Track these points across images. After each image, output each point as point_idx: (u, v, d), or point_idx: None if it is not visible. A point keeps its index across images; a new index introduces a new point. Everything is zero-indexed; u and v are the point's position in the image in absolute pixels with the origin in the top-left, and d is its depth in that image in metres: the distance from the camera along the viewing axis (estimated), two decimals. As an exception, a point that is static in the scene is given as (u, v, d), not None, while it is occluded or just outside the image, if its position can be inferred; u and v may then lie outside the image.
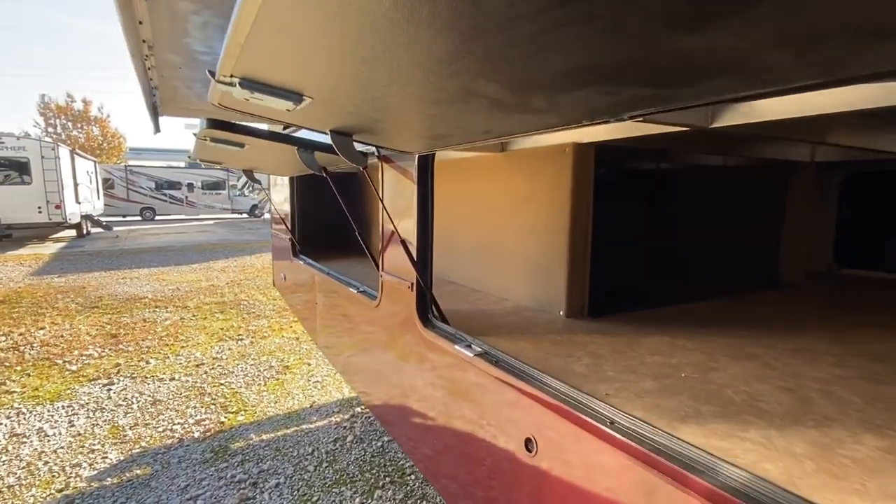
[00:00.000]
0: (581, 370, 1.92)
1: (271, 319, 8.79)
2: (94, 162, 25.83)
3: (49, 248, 18.60)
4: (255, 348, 7.29)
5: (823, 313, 2.98)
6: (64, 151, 19.62)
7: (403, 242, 2.33)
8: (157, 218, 31.86)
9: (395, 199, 2.55)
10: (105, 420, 5.03)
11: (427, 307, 2.34)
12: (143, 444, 4.55)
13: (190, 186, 32.24)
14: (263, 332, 8.02)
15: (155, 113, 3.66)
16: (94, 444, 4.54)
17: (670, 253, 3.46)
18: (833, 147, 3.79)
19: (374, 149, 2.64)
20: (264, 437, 4.62)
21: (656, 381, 1.84)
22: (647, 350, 2.21)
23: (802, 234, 4.13)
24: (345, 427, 4.83)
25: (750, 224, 4.01)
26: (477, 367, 1.89)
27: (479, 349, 1.95)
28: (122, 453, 4.39)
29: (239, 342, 7.62)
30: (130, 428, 4.85)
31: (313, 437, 4.63)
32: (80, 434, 4.73)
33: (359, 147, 2.95)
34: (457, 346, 2.01)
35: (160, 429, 4.82)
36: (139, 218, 31.36)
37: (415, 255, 2.30)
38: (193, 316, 9.23)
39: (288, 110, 1.56)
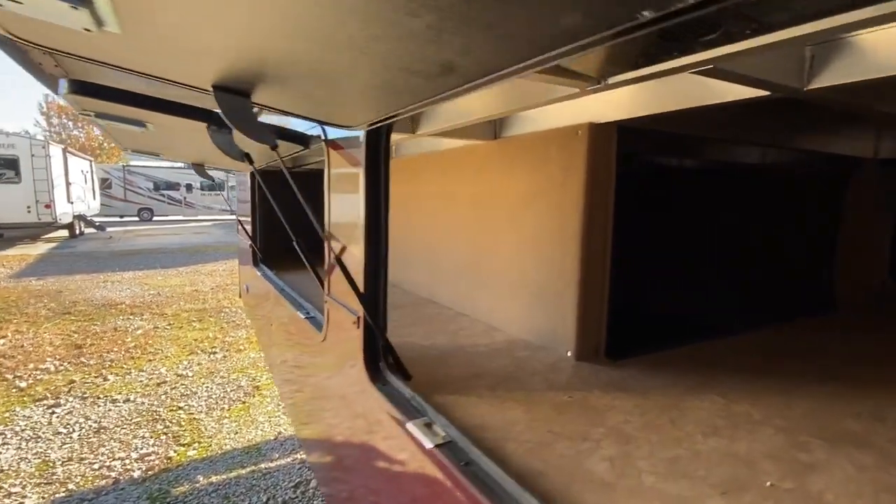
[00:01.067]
0: (603, 472, 1.21)
1: (250, 330, 8.12)
2: (90, 161, 25.34)
3: (38, 249, 18.07)
4: (227, 363, 6.61)
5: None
6: (55, 150, 19.09)
7: (341, 261, 1.62)
8: (154, 219, 31.36)
9: (339, 198, 1.86)
10: (36, 453, 4.34)
11: (376, 353, 1.63)
12: (71, 485, 3.86)
13: (188, 187, 31.70)
14: (240, 345, 7.35)
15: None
16: (13, 486, 3.86)
17: (710, 271, 2.75)
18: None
19: (320, 129, 1.95)
20: (214, 479, 3.92)
21: (728, 497, 1.12)
22: (697, 424, 1.50)
23: (862, 245, 3.40)
24: (309, 468, 4.13)
25: (801, 233, 3.29)
26: (435, 464, 1.18)
27: (442, 435, 1.24)
28: (43, 498, 3.70)
29: (211, 356, 6.94)
30: (62, 464, 4.17)
31: (272, 481, 3.92)
32: (1, 471, 4.05)
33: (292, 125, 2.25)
34: (410, 425, 1.30)
35: (96, 465, 4.13)
36: (136, 218, 30.86)
37: (361, 279, 1.60)
38: (169, 325, 8.57)
39: (87, 29, 0.88)
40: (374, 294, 1.60)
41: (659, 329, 2.37)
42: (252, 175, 4.21)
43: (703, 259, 2.74)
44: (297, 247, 1.90)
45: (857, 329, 2.72)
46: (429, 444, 1.20)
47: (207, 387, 5.83)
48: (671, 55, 1.04)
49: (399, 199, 3.94)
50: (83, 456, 4.28)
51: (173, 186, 31.74)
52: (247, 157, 2.02)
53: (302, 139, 2.09)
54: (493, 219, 2.56)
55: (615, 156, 2.03)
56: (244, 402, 5.38)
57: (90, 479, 3.95)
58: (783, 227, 3.19)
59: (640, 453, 1.31)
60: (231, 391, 5.70)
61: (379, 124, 1.46)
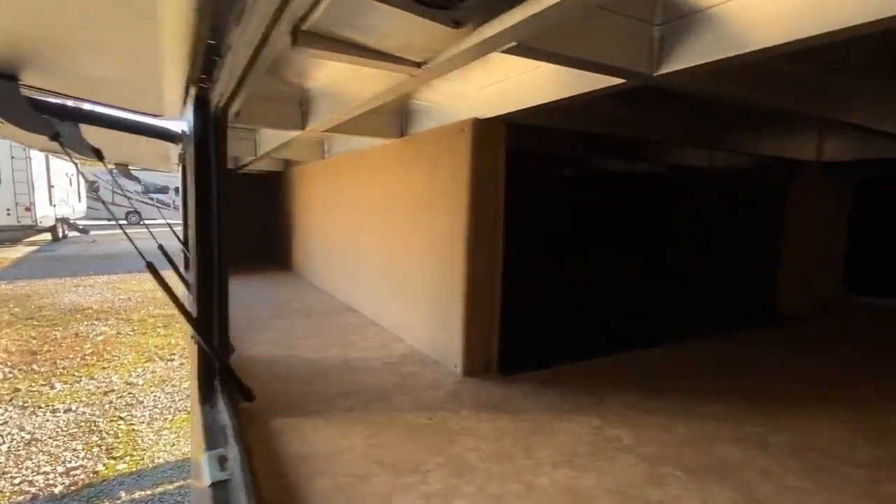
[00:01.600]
0: (401, 515, 1.05)
1: (214, 336, 7.94)
2: (76, 164, 25.10)
3: (17, 252, 17.84)
4: (182, 371, 6.42)
5: (829, 367, 2.11)
6: (37, 151, 18.90)
7: (165, 284, 1.44)
8: (143, 222, 31.10)
9: (189, 206, 1.70)
10: (-41, 466, 4.15)
11: (209, 373, 1.47)
12: (-14, 502, 3.67)
13: (177, 190, 31.52)
14: (200, 352, 7.15)
15: None
16: (-77, 503, 3.67)
17: (628, 277, 2.59)
18: (850, 134, 2.92)
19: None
20: (137, 495, 3.73)
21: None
22: (554, 451, 1.34)
23: (810, 254, 3.26)
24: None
25: (737, 241, 3.14)
26: (210, 502, 1.02)
27: (227, 472, 1.08)
28: (-48, 516, 3.52)
29: (168, 363, 6.75)
30: (-17, 478, 3.98)
31: (197, 497, 3.74)
32: (-84, 486, 3.86)
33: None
34: (205, 457, 1.14)
35: (17, 480, 3.94)
36: (125, 222, 30.63)
37: (193, 290, 1.44)
38: (133, 330, 8.38)
39: None
40: (206, 313, 1.44)
41: (563, 342, 2.22)
42: (183, 175, 4.05)
43: (618, 267, 2.59)
44: (160, 250, 1.74)
45: (791, 344, 2.57)
46: (207, 481, 1.04)
47: (156, 396, 5.64)
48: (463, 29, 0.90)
49: (325, 201, 3.80)
50: (6, 470, 4.09)
51: (162, 190, 31.53)
52: (96, 153, 1.86)
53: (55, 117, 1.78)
54: (399, 221, 2.40)
55: (504, 154, 1.88)
56: (188, 413, 5.20)
57: (7, 494, 3.76)
58: (716, 234, 3.04)
59: (467, 489, 1.15)
60: (179, 400, 5.51)
61: (201, 112, 1.30)
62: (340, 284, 3.28)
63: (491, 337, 1.94)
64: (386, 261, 2.57)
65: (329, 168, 3.39)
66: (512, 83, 1.62)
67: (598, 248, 2.51)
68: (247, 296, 3.49)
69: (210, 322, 1.43)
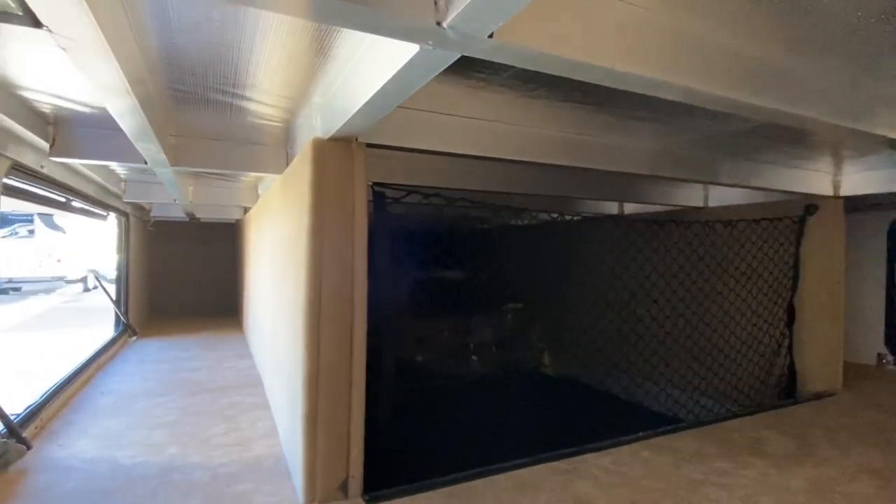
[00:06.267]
0: None
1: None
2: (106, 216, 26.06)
3: (48, 303, 18.19)
4: None
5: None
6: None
7: None
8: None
9: None
10: None
11: None
12: None
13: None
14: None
15: None
16: None
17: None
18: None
19: None
20: None
21: None
22: None
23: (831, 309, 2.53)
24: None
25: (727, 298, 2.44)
26: None
27: None
28: None
29: None
30: None
31: None
32: None
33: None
34: None
35: None
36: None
37: None
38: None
39: None
40: None
41: (437, 459, 1.59)
42: (120, 222, 3.69)
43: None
44: None
45: (777, 444, 1.86)
46: None
47: None
48: None
49: (249, 251, 3.29)
50: None
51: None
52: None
53: None
54: (278, 278, 1.89)
55: (365, 189, 1.36)
56: None
57: None
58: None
59: None
60: None
61: None
62: (256, 350, 2.77)
63: (350, 447, 1.35)
64: (272, 327, 2.05)
65: (253, 213, 2.96)
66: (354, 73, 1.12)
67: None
68: (164, 360, 3.01)
69: None
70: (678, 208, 3.03)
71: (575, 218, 3.43)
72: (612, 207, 3.66)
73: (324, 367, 1.32)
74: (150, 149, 1.51)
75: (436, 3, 0.67)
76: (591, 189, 2.86)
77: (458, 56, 0.79)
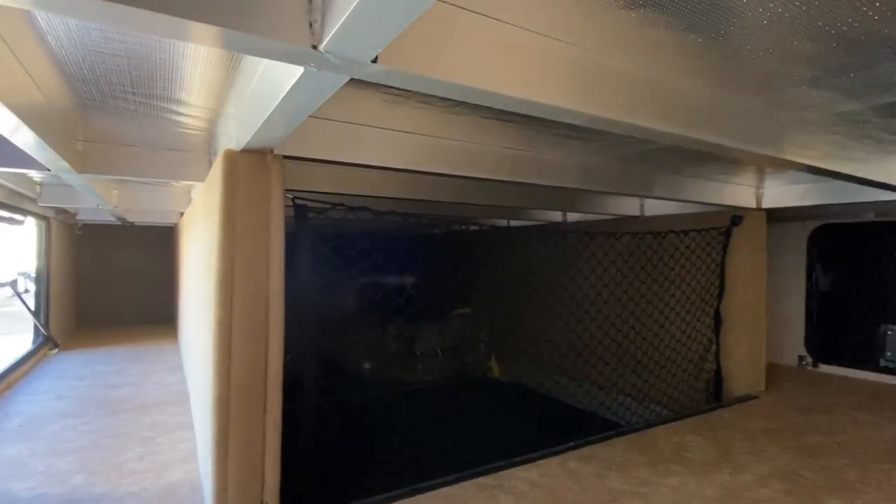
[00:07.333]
0: None
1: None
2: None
3: None
4: None
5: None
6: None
7: None
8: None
9: None
10: None
11: None
12: None
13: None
14: None
15: None
16: None
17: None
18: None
19: None
20: None
21: None
22: None
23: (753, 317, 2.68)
24: None
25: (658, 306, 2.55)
26: None
27: None
28: None
29: None
30: None
31: None
32: None
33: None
34: None
35: None
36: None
37: None
38: None
39: None
40: None
41: (369, 478, 1.57)
42: (40, 226, 3.42)
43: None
44: None
45: (702, 450, 1.94)
46: None
47: None
48: None
49: (181, 258, 3.15)
50: None
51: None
52: None
53: None
54: (200, 286, 1.80)
55: (282, 204, 1.31)
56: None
57: None
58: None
59: None
60: None
61: None
62: (186, 363, 2.64)
63: (265, 474, 1.30)
64: (195, 340, 1.95)
65: (184, 220, 2.83)
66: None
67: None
68: (85, 375, 2.81)
69: None
70: (616, 217, 3.13)
71: (511, 224, 3.48)
72: (556, 216, 3.75)
73: (235, 390, 1.26)
74: (46, 156, 1.40)
75: (311, 25, 0.64)
76: (533, 198, 2.94)
77: (348, 78, 0.76)
